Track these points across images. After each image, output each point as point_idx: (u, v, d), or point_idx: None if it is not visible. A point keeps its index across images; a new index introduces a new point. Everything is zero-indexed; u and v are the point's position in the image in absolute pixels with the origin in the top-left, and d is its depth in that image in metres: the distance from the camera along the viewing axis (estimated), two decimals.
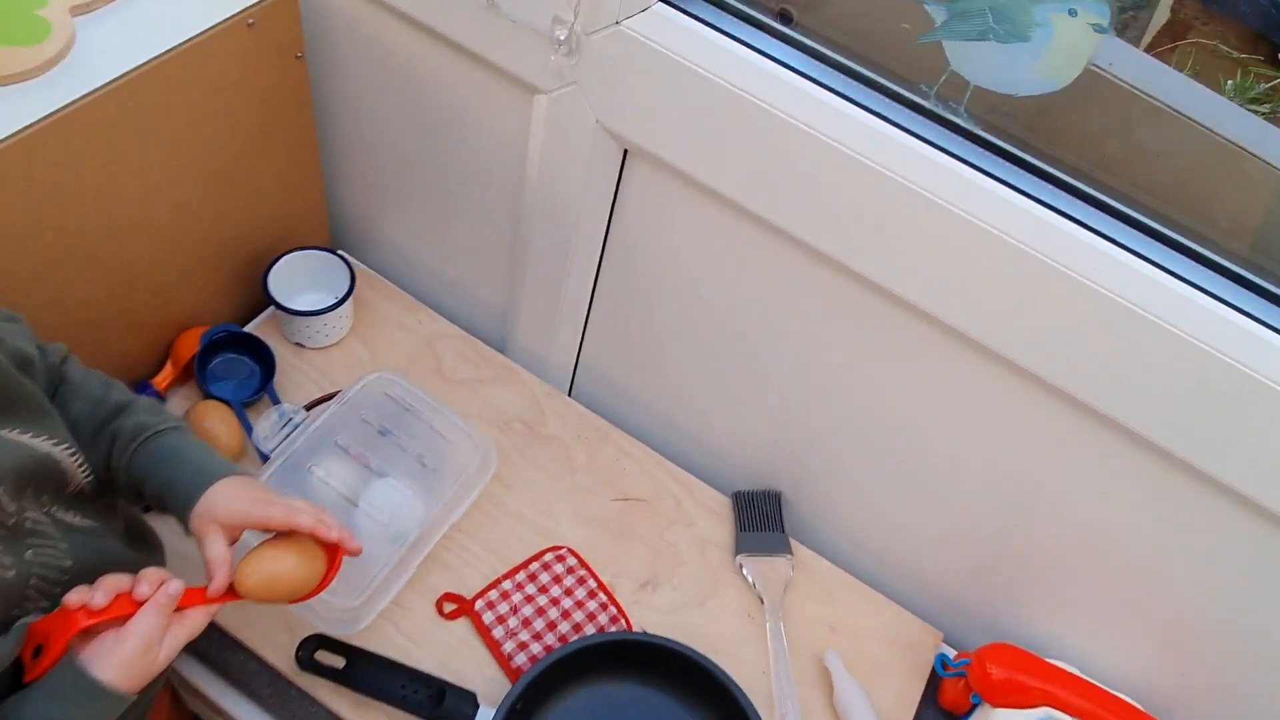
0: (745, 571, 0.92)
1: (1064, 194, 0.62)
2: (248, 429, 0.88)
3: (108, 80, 0.70)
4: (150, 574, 0.56)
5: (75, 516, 0.62)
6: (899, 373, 0.80)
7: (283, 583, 0.61)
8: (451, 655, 0.81)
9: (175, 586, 0.57)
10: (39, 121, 0.66)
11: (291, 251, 0.96)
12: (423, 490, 0.82)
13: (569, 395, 1.03)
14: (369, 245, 1.09)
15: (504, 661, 0.82)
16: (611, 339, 0.99)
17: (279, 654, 0.78)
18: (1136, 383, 0.65)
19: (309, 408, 0.90)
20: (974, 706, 0.85)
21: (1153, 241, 0.61)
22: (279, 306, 0.93)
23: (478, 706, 0.74)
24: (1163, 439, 0.66)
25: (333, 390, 0.93)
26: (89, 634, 0.53)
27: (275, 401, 0.90)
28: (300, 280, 0.96)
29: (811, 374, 0.86)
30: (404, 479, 0.82)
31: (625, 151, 0.79)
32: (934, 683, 0.89)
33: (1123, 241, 0.61)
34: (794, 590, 0.92)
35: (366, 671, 0.76)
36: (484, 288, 1.03)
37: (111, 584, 0.55)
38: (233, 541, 0.62)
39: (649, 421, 1.02)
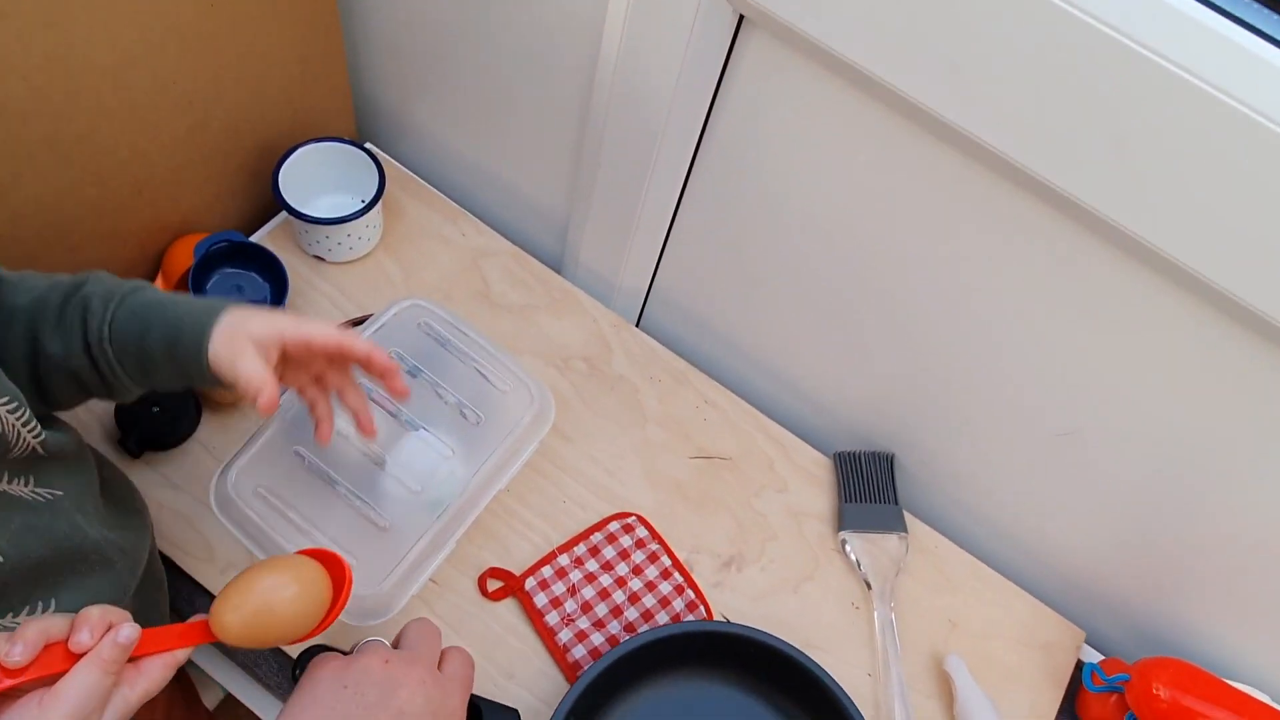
0: (849, 550, 0.76)
1: None
2: None
3: None
4: (92, 615, 0.41)
5: (19, 486, 0.48)
6: (1068, 308, 0.62)
7: (275, 618, 0.46)
8: (495, 645, 0.67)
9: (128, 632, 0.41)
10: None
11: (308, 143, 0.79)
12: (464, 447, 0.66)
13: (637, 326, 0.86)
14: (402, 137, 0.92)
15: (559, 654, 0.68)
16: (695, 260, 0.81)
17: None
18: None
19: None
20: None
21: None
22: (292, 212, 0.76)
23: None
24: None
25: (357, 316, 0.77)
26: (9, 697, 0.39)
27: None
28: (319, 180, 0.80)
29: (945, 311, 0.68)
30: (441, 433, 0.66)
31: (741, 18, 0.59)
32: (1072, 690, 0.74)
33: None
34: (907, 575, 0.77)
35: None
36: (542, 193, 0.86)
37: (37, 632, 0.40)
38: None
39: (735, 362, 0.85)
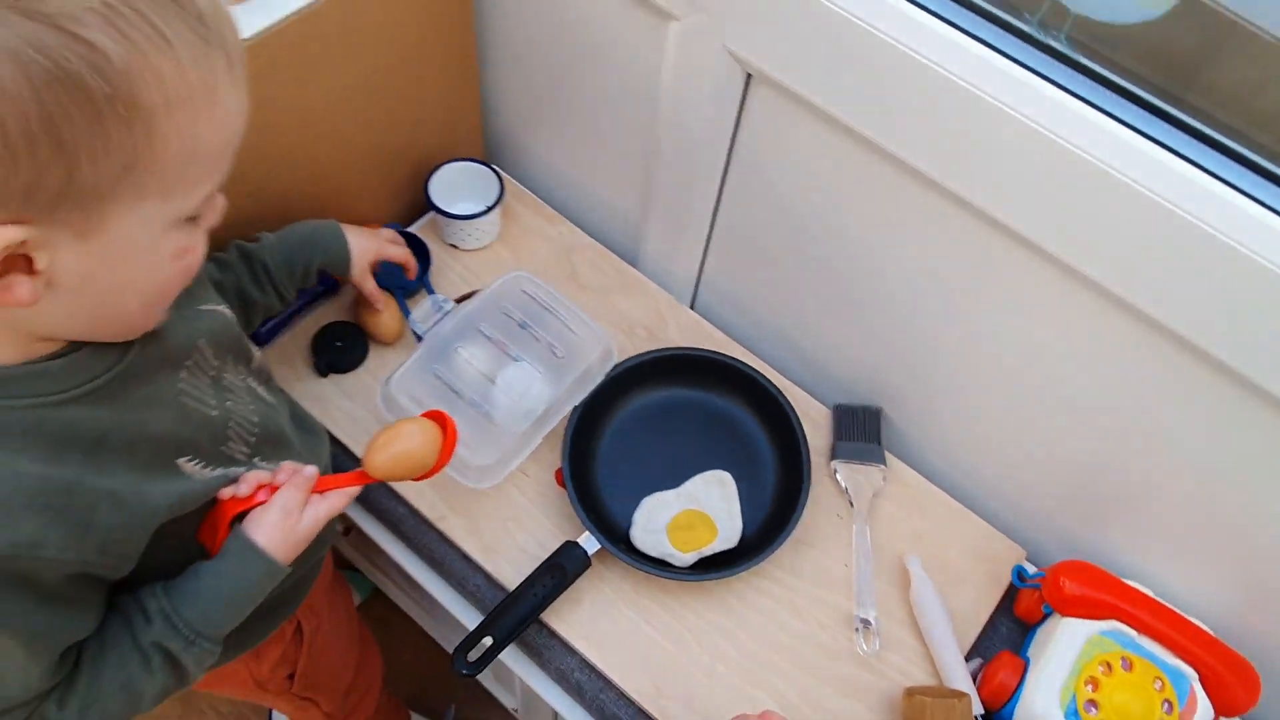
0: (838, 476, 0.99)
1: (1161, 121, 0.65)
2: (406, 314, 1.01)
3: (301, 5, 0.82)
4: (287, 466, 0.69)
5: (259, 387, 0.74)
6: (1006, 301, 0.83)
7: (410, 459, 0.72)
8: (567, 519, 0.93)
9: (310, 470, 0.69)
10: (256, 36, 0.79)
11: (450, 162, 1.08)
12: (551, 375, 0.93)
13: (690, 308, 1.12)
14: (518, 160, 1.20)
15: None
16: (730, 256, 1.06)
17: (422, 502, 0.92)
18: (1237, 322, 0.66)
19: (458, 300, 1.03)
20: (1045, 617, 0.90)
21: (1250, 173, 0.63)
22: (437, 210, 1.05)
23: (583, 550, 0.86)
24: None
25: (480, 288, 1.05)
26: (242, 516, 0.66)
27: (430, 292, 1.03)
28: (457, 189, 1.08)
29: (918, 298, 0.91)
30: (536, 364, 0.93)
31: (749, 76, 0.85)
32: (1010, 595, 0.95)
33: (1220, 173, 0.63)
34: (883, 498, 0.98)
35: (509, 616, 0.85)
36: (618, 204, 1.12)
37: (253, 477, 0.66)
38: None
39: (761, 335, 1.09)
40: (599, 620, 0.89)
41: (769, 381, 0.99)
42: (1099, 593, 0.86)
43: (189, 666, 0.63)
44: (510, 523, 0.93)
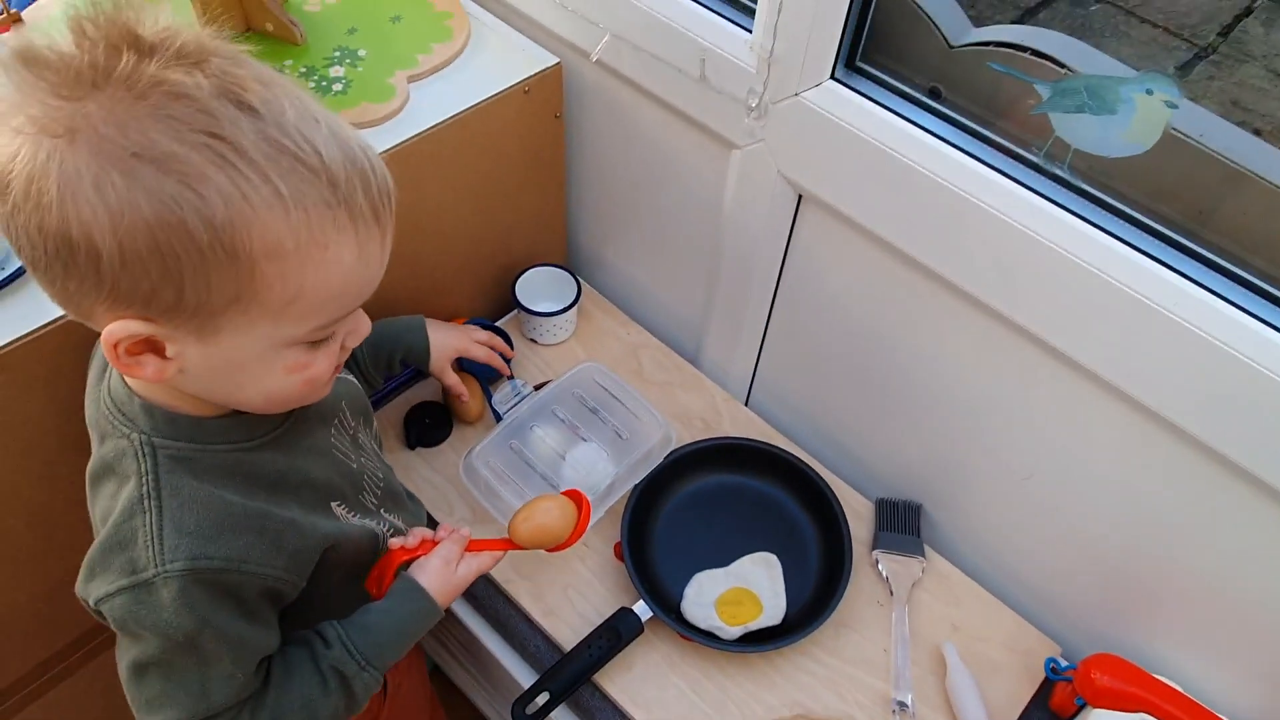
0: (879, 565, 1.05)
1: (1159, 241, 0.74)
2: (488, 396, 1.13)
3: (426, 128, 0.98)
4: (447, 526, 0.81)
5: (379, 453, 0.85)
6: (1039, 409, 0.91)
7: (548, 531, 0.83)
8: (623, 590, 1.00)
9: (465, 531, 0.81)
10: (382, 153, 0.94)
11: (535, 266, 1.22)
12: (615, 455, 1.03)
13: (745, 404, 1.21)
14: (594, 268, 1.34)
15: None
16: (782, 358, 1.16)
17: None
18: (1253, 431, 0.73)
19: (536, 388, 1.14)
20: (1079, 710, 0.93)
21: (1238, 287, 0.72)
22: (521, 307, 1.18)
23: (637, 617, 0.94)
24: None
25: (553, 378, 1.17)
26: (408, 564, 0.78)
27: (510, 379, 1.15)
28: (540, 289, 1.21)
29: (958, 403, 0.99)
30: (602, 445, 1.04)
31: (800, 197, 0.97)
32: (1045, 689, 0.98)
33: (1213, 287, 0.72)
34: (921, 589, 1.04)
35: (566, 672, 0.92)
36: (681, 309, 1.24)
37: (419, 533, 0.79)
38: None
39: (809, 431, 1.18)
40: (647, 685, 0.95)
41: (815, 472, 1.07)
42: (1129, 685, 0.90)
43: (359, 692, 0.71)
44: (570, 590, 1.01)
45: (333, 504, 0.72)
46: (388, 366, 0.98)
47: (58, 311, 0.77)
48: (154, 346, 0.55)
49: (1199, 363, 0.73)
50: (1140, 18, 2.52)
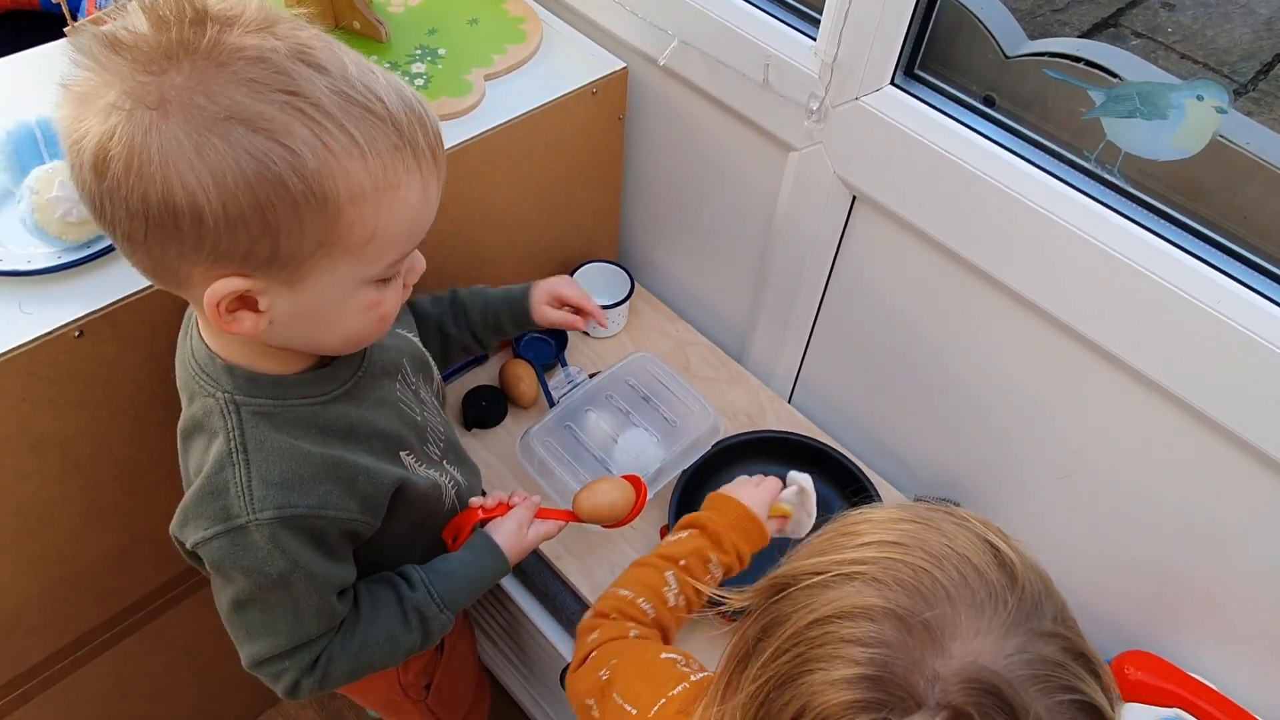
0: None
1: (1205, 244, 0.78)
2: (543, 383, 1.18)
3: (499, 123, 1.03)
4: (520, 493, 0.87)
5: (440, 409, 0.90)
6: (1079, 408, 0.94)
7: (611, 508, 0.90)
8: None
9: (536, 498, 0.87)
10: (458, 145, 1.00)
11: (590, 262, 1.27)
12: (665, 440, 1.07)
13: (788, 402, 1.25)
14: (646, 266, 1.39)
15: None
16: (827, 358, 1.20)
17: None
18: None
19: (589, 376, 1.19)
20: None
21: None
22: None
23: None
24: None
25: (604, 370, 1.21)
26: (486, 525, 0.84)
27: (564, 366, 1.20)
28: (594, 283, 1.26)
29: (1000, 403, 1.02)
30: (653, 430, 1.08)
31: (854, 199, 1.02)
32: None
33: (1249, 282, 0.76)
34: None
35: None
36: (730, 307, 1.29)
37: (495, 494, 0.86)
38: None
39: (850, 429, 1.21)
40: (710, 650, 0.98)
41: (856, 466, 1.10)
42: (1162, 681, 0.92)
43: (434, 631, 0.78)
44: (618, 569, 1.03)
45: (401, 453, 0.77)
46: (496, 328, 0.99)
47: None
48: (248, 302, 0.60)
49: (1244, 361, 0.76)
50: (1180, 53, 2.56)
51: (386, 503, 0.74)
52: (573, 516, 0.89)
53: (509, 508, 0.85)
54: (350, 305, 0.63)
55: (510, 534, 0.82)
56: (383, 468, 0.73)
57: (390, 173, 0.57)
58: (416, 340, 0.88)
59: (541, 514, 0.87)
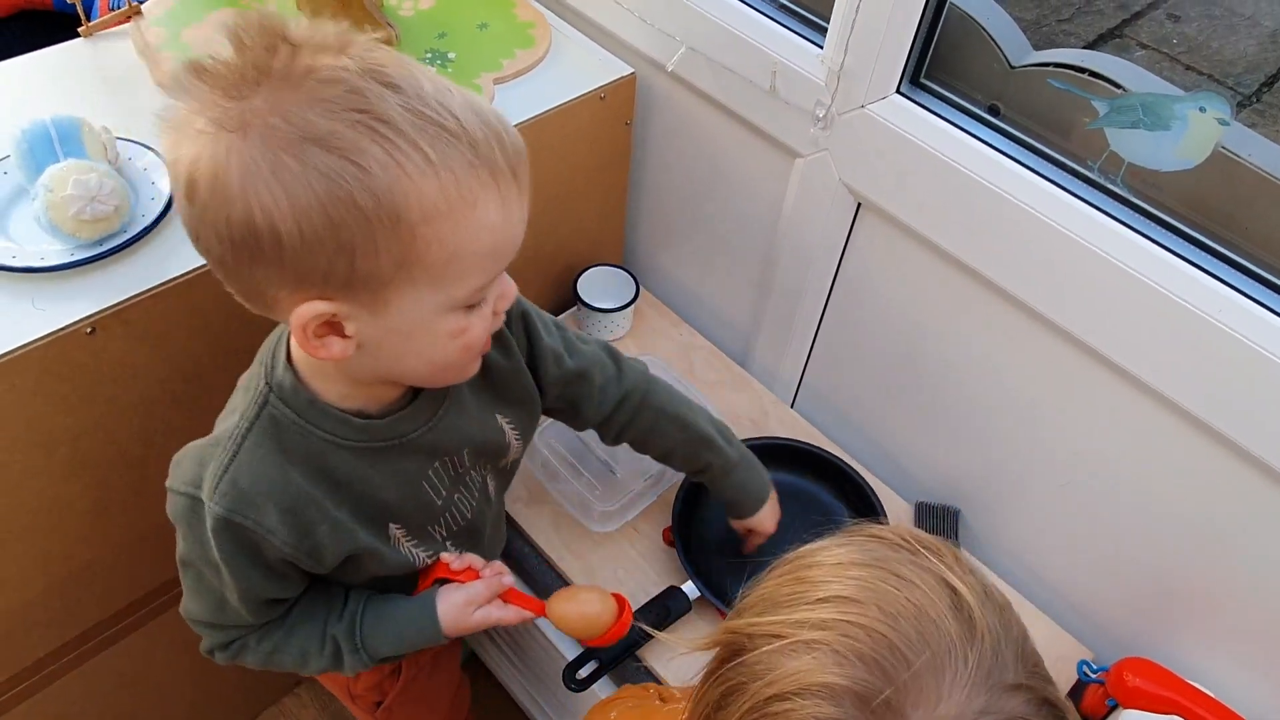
0: None
1: (1206, 253, 0.79)
2: None
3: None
4: (497, 565, 0.82)
5: (491, 485, 0.85)
6: (1080, 415, 0.95)
7: (584, 620, 0.82)
8: (669, 574, 1.05)
9: (507, 579, 0.81)
10: None
11: (596, 265, 1.28)
12: None
13: (791, 407, 1.26)
14: (651, 270, 1.39)
15: None
16: (830, 363, 1.21)
17: (545, 543, 1.06)
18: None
19: None
20: (1110, 711, 0.96)
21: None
22: (582, 303, 1.24)
23: (686, 596, 0.98)
24: None
25: None
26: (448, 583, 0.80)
27: None
28: (599, 287, 1.27)
29: (1002, 410, 1.03)
30: None
31: (859, 205, 1.03)
32: (1078, 692, 1.01)
33: (1250, 293, 0.76)
34: None
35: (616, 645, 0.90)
36: (733, 312, 1.30)
37: (469, 559, 0.81)
38: None
39: (852, 435, 1.22)
40: (693, 665, 0.98)
41: (858, 474, 1.11)
42: (1161, 688, 0.93)
43: (345, 665, 0.78)
44: (619, 569, 1.05)
45: (390, 524, 0.75)
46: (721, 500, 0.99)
47: (175, 272, 0.84)
48: (335, 327, 0.60)
49: (1244, 370, 0.77)
50: (1185, 65, 2.56)
51: (339, 559, 0.72)
52: (541, 611, 0.81)
53: (475, 576, 0.80)
54: (435, 332, 0.62)
55: (454, 606, 0.78)
56: (354, 530, 0.72)
57: (466, 190, 0.56)
58: (514, 433, 0.82)
59: (508, 596, 0.81)
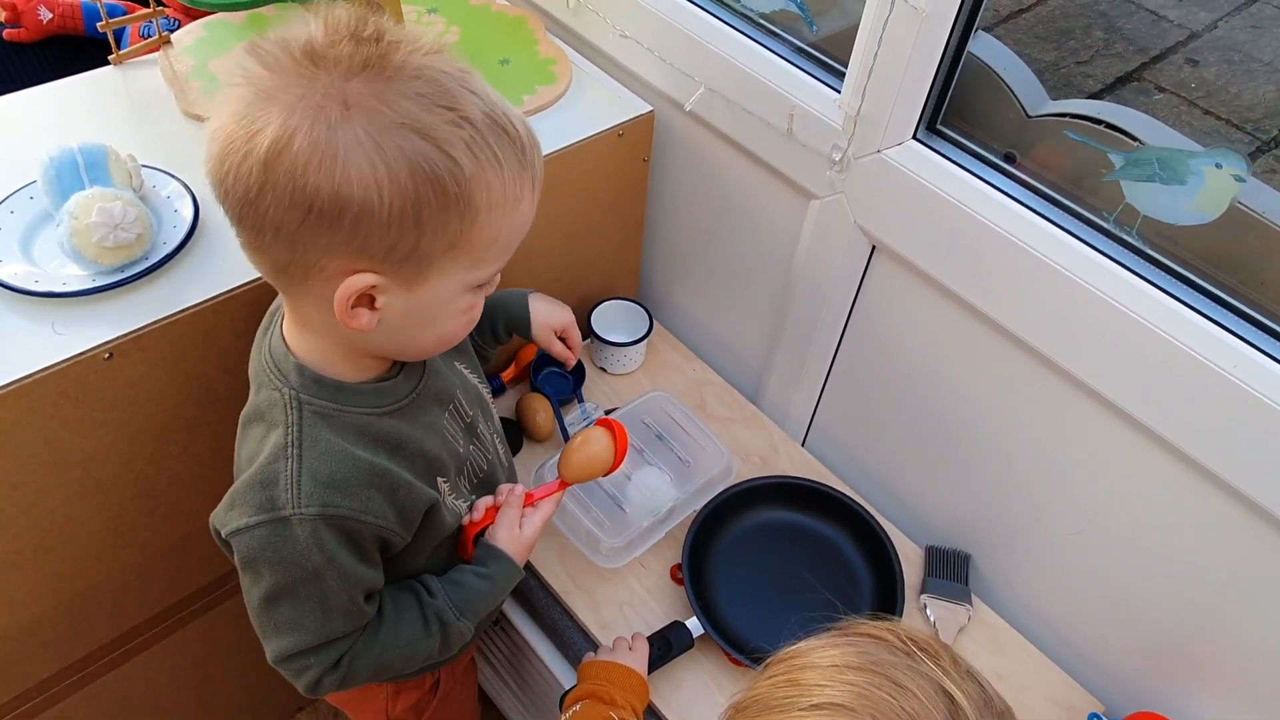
0: (927, 609, 1.07)
1: (1221, 307, 0.78)
2: (559, 417, 1.19)
3: None
4: (503, 488, 0.87)
5: (499, 445, 0.92)
6: (1094, 465, 0.94)
7: (598, 460, 0.88)
8: (676, 612, 1.04)
9: (519, 490, 0.87)
10: None
11: (610, 299, 1.28)
12: (678, 480, 1.08)
13: (802, 445, 1.26)
14: (665, 304, 1.40)
15: None
16: (842, 404, 1.21)
17: (553, 577, 1.06)
18: None
19: (606, 412, 1.20)
20: None
21: None
22: (596, 336, 1.25)
23: (689, 631, 0.97)
24: None
25: (619, 406, 1.22)
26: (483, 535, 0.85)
27: (581, 401, 1.21)
28: (613, 320, 1.28)
29: (1014, 457, 1.02)
30: (666, 469, 1.08)
31: (873, 248, 1.03)
32: None
33: (1265, 348, 0.76)
34: (967, 636, 1.06)
35: None
36: (746, 349, 1.30)
37: (482, 503, 0.86)
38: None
39: (863, 476, 1.21)
40: (695, 702, 0.98)
41: (870, 515, 1.10)
42: None
43: (453, 637, 0.80)
44: (626, 606, 1.05)
45: (438, 478, 0.80)
46: (493, 334, 1.01)
47: (193, 300, 0.86)
48: (369, 300, 0.65)
49: (1256, 425, 0.76)
50: (1204, 109, 2.56)
51: (419, 519, 0.76)
52: (563, 484, 0.88)
53: (496, 510, 0.85)
54: (452, 308, 0.69)
55: (507, 538, 0.83)
56: (421, 486, 0.76)
57: (515, 187, 0.65)
58: (474, 378, 0.89)
59: (530, 499, 0.86)
